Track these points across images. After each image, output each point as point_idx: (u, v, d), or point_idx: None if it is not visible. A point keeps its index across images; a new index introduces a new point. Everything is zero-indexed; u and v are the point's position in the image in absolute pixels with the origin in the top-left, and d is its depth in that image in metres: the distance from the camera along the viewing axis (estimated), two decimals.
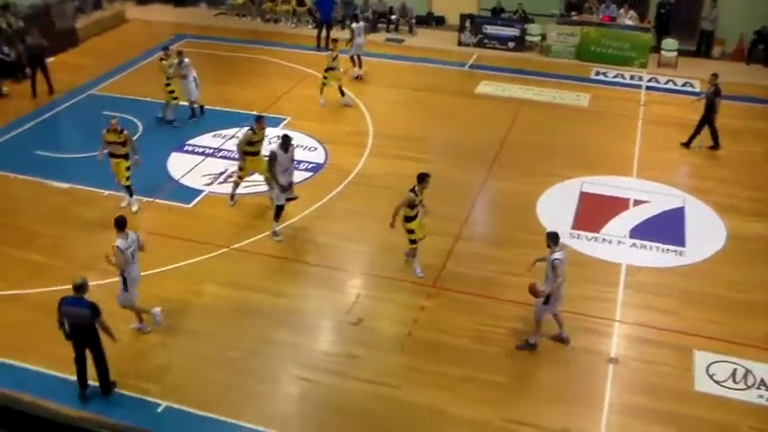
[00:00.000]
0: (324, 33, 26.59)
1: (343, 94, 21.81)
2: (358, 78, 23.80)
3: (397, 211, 13.78)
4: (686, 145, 19.31)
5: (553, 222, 15.91)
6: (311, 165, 18.33)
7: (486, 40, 26.74)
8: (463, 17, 27.00)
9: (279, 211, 15.33)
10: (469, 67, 25.23)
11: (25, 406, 8.95)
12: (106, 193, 17.02)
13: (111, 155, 15.91)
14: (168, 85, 20.02)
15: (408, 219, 13.96)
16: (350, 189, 17.17)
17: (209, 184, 17.65)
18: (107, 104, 21.81)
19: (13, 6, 25.11)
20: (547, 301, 12.10)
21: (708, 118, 19.03)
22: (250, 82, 23.60)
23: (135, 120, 20.38)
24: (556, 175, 17.87)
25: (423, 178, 13.75)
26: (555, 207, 16.66)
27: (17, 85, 23.27)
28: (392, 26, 28.57)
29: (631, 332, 13.14)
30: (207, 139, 19.65)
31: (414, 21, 28.53)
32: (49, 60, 24.01)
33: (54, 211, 16.28)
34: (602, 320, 13.33)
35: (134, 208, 16.33)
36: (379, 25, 28.72)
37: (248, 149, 16.21)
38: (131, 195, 16.33)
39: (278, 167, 14.87)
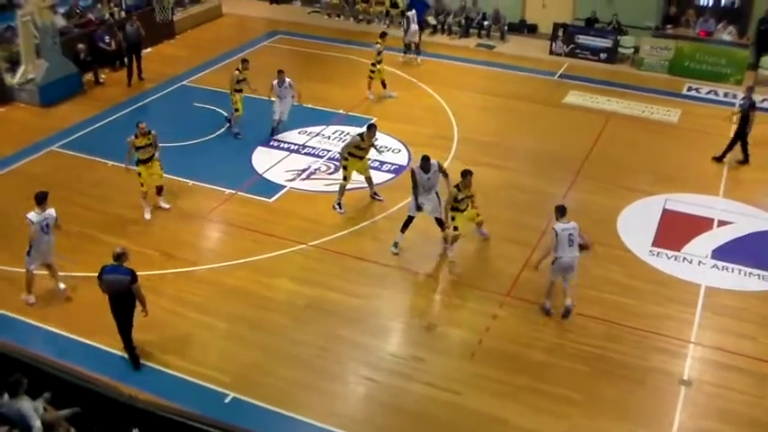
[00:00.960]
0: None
1: (384, 86, 22.51)
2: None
3: (446, 209, 14.57)
4: (720, 159, 19.05)
5: (633, 237, 15.75)
6: (394, 166, 18.42)
7: (577, 50, 26.41)
8: (556, 26, 26.73)
9: (407, 222, 15.23)
10: (559, 76, 24.98)
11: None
12: (191, 183, 17.47)
13: (143, 161, 15.92)
14: (233, 94, 19.69)
15: (454, 209, 14.56)
16: None
17: (291, 180, 17.89)
18: (198, 96, 22.45)
19: None
20: (554, 262, 13.18)
21: (742, 132, 18.82)
22: (338, 80, 23.81)
23: (223, 112, 20.81)
24: (640, 190, 17.56)
25: (464, 175, 14.39)
26: (636, 222, 16.37)
27: (113, 73, 24.13)
28: (484, 32, 28.47)
29: (706, 355, 12.81)
30: (293, 136, 19.92)
31: (506, 27, 28.36)
32: (147, 51, 24.86)
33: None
34: (676, 341, 13.03)
35: (165, 205, 16.56)
36: (471, 30, 28.63)
37: (354, 152, 16.38)
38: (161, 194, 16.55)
39: (419, 187, 14.91)
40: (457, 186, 14.41)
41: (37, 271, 13.54)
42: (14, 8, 22.69)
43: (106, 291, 11.81)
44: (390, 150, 19.22)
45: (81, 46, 23.21)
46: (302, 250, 15.30)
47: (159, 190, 16.47)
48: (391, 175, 18.09)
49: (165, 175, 16.41)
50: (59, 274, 13.79)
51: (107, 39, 24.29)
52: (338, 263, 14.96)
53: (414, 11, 25.84)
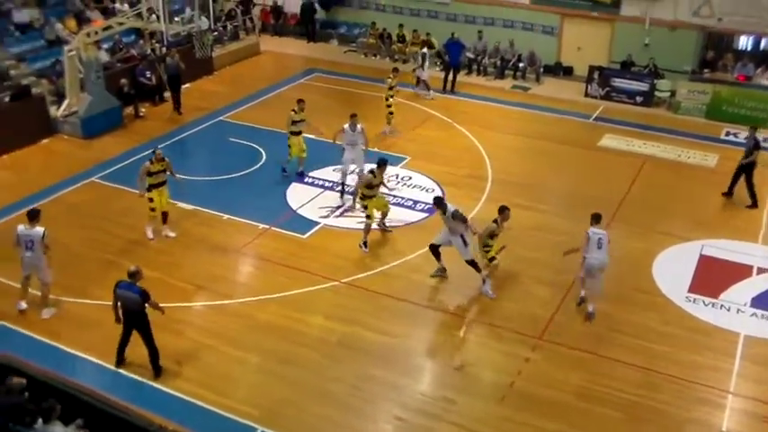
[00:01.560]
0: (450, 77, 26.83)
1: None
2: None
3: (480, 238, 15.04)
4: (753, 205, 18.93)
5: (669, 283, 15.54)
6: (427, 206, 18.36)
7: (613, 93, 26.36)
8: (592, 69, 26.72)
9: (432, 251, 15.60)
10: (594, 119, 24.91)
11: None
12: (225, 217, 17.57)
13: (155, 186, 16.26)
14: (289, 137, 19.41)
15: (486, 245, 15.08)
16: None
17: (325, 217, 17.93)
18: (235, 131, 22.65)
19: (159, 34, 26.34)
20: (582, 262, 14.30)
21: (742, 168, 18.99)
22: (373, 119, 23.63)
23: (260, 148, 21.00)
24: (676, 235, 17.35)
25: (502, 210, 15.03)
26: (672, 268, 16.15)
27: (153, 107, 24.49)
28: (519, 73, 28.55)
29: (746, 406, 12.52)
30: (327, 173, 19.96)
31: (541, 69, 28.42)
32: (186, 86, 25.24)
33: (178, 231, 16.84)
34: (715, 390, 12.78)
35: (171, 234, 16.84)
36: (507, 72, 28.72)
37: (366, 192, 16.46)
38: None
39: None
40: (495, 221, 14.90)
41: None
42: (62, 44, 23.55)
43: (121, 306, 12.18)
44: (424, 189, 19.23)
45: (123, 80, 23.61)
46: (334, 287, 15.29)
47: (165, 217, 16.71)
48: (425, 215, 18.07)
49: (199, 208, 16.51)
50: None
51: (148, 74, 24.69)
52: (370, 300, 14.92)
53: (426, 49, 26.77)
